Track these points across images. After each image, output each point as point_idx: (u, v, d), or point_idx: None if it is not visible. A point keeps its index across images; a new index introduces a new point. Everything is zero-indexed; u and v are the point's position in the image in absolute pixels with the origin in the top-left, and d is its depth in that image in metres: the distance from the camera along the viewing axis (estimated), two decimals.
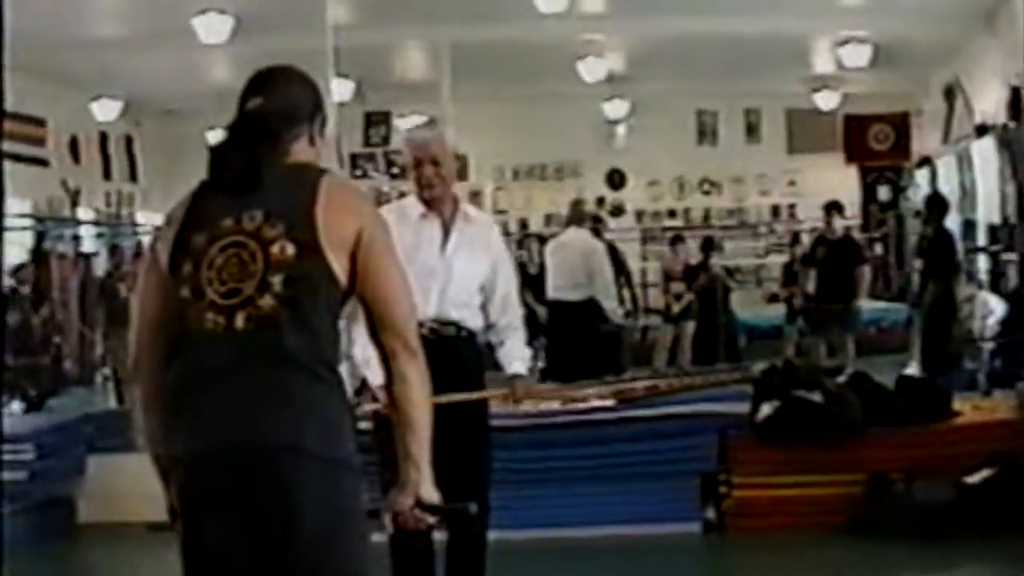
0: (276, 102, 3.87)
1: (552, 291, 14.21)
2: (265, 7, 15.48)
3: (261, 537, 3.56)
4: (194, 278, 3.64)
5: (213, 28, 15.98)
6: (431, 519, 3.86)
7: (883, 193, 24.62)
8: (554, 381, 12.54)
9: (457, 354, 6.31)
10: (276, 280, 3.61)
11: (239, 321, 3.59)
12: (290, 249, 3.63)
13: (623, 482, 9.07)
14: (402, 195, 6.85)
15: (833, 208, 16.17)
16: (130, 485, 10.07)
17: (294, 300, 3.61)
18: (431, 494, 3.79)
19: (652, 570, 8.51)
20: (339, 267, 3.68)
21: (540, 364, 17.01)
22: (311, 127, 3.94)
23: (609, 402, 9.37)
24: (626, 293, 17.14)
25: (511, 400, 6.90)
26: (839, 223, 16.29)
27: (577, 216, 14.62)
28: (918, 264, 15.61)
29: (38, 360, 17.26)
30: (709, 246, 19.16)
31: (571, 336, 14.03)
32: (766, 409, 9.04)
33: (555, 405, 9.52)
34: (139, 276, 3.91)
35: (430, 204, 6.44)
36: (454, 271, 6.41)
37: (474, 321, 6.52)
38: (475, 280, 6.52)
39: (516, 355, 6.69)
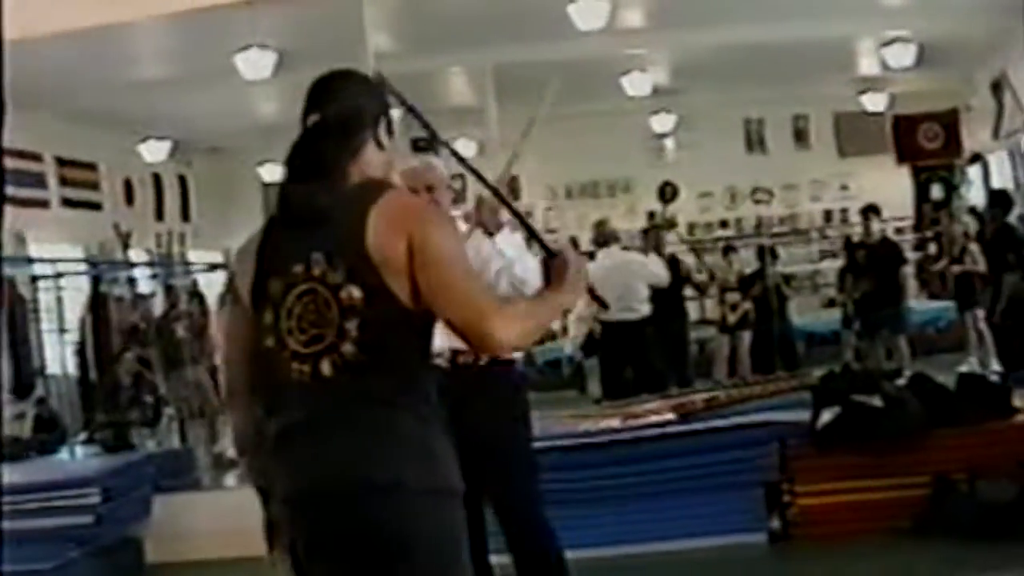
0: (335, 115, 3.84)
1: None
2: (306, 40, 15.50)
3: (372, 573, 3.61)
4: (276, 328, 3.69)
5: (256, 64, 16.02)
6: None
7: (936, 192, 24.45)
8: (610, 400, 12.59)
9: (491, 381, 6.31)
10: (352, 326, 3.63)
11: (325, 368, 3.63)
12: (356, 293, 3.63)
13: (687, 496, 9.07)
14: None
15: (870, 211, 16.19)
16: (197, 524, 10.20)
17: (373, 343, 3.62)
18: None
19: None
20: (405, 294, 3.65)
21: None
22: (375, 130, 3.90)
23: (669, 416, 9.37)
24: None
25: None
26: (876, 226, 16.27)
27: (605, 236, 14.66)
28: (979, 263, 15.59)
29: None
30: (764, 255, 19.11)
31: (627, 356, 13.98)
32: (826, 416, 9.01)
33: (615, 422, 9.53)
34: (225, 310, 3.99)
35: None
36: None
37: None
38: None
39: None
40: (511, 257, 6.35)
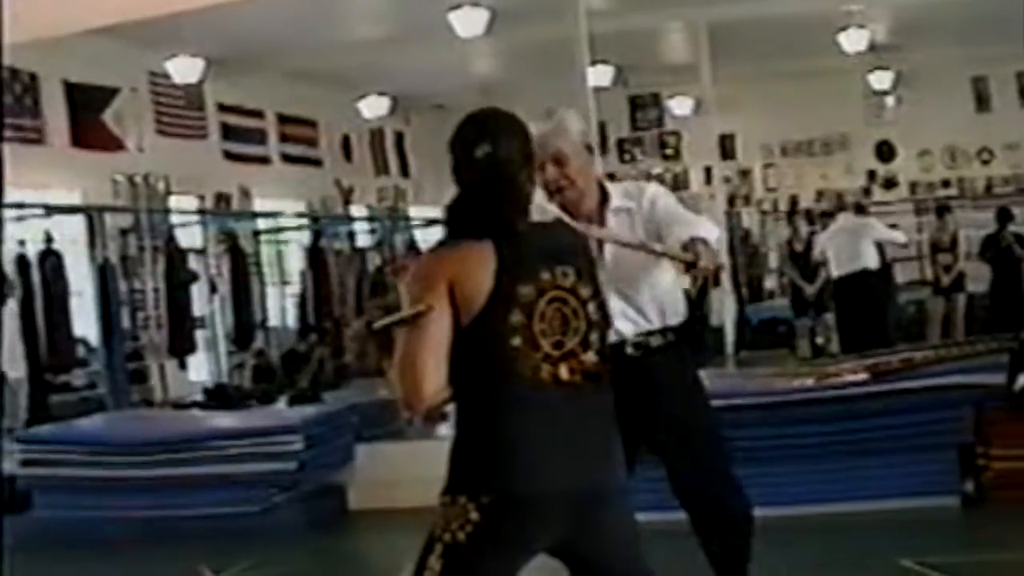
0: (507, 150, 4.03)
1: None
2: None
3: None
4: (527, 329, 3.85)
5: (469, 22, 16.26)
6: None
7: None
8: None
9: (665, 367, 5.70)
10: (595, 338, 3.95)
11: (563, 372, 3.88)
12: (597, 310, 3.99)
13: (880, 456, 8.97)
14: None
15: None
16: (398, 472, 10.38)
17: (606, 357, 3.98)
18: None
19: (913, 544, 8.35)
20: None
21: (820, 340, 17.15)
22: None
23: (863, 376, 9.31)
24: None
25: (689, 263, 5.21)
26: None
27: (840, 204, 15.71)
28: None
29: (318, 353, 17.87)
30: (1004, 216, 18.73)
31: (856, 309, 15.15)
32: (1022, 379, 8.88)
33: (809, 381, 9.52)
34: (424, 299, 3.84)
35: (570, 211, 5.33)
36: (607, 265, 5.44)
37: (665, 314, 5.72)
38: (637, 260, 5.54)
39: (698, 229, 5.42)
40: None
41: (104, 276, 14.21)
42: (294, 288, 19.05)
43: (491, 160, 3.97)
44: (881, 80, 23.17)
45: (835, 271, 15.35)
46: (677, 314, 5.74)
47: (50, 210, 14.24)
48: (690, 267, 5.08)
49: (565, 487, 3.85)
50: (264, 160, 20.45)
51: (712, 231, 5.41)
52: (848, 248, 15.08)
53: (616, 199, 5.64)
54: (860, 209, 16.41)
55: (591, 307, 3.95)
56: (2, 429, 11.47)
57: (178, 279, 15.64)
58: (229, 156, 19.51)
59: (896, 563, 7.59)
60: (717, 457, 5.86)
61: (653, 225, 5.53)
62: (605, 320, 4.03)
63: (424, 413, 4.07)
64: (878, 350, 11.36)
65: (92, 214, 14.74)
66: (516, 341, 3.83)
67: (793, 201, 24.38)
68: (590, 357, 3.92)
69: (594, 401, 3.94)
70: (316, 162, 21.88)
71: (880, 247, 15.43)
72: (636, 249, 5.25)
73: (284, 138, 21.02)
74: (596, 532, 3.94)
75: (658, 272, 5.58)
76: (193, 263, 16.55)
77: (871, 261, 15.04)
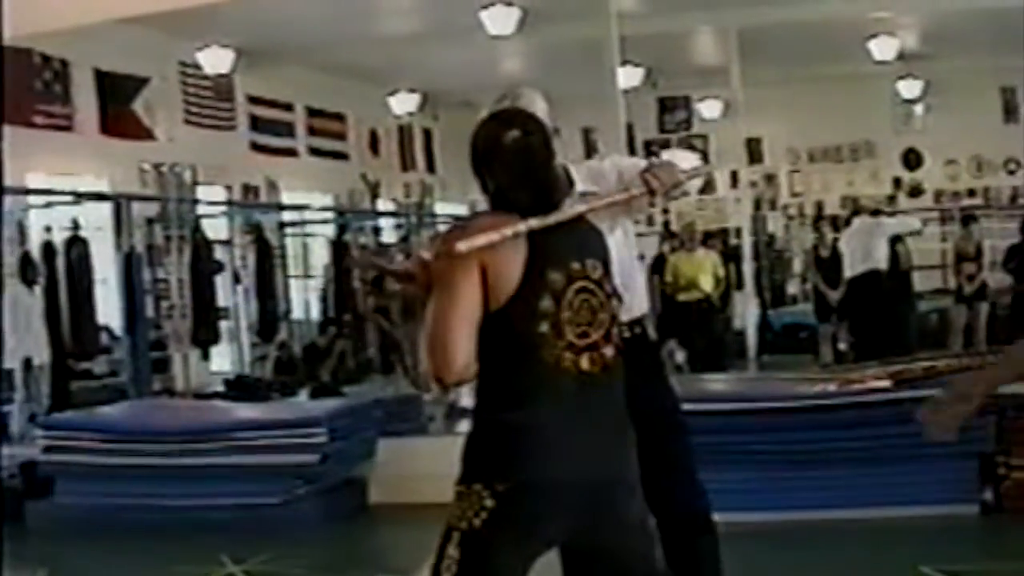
0: (536, 138, 4.03)
1: None
2: None
3: (593, 557, 4.01)
4: (555, 316, 3.85)
5: (501, 20, 16.32)
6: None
7: None
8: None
9: (639, 356, 5.32)
10: (615, 332, 3.98)
11: (584, 362, 3.89)
12: (619, 306, 4.05)
13: (900, 463, 8.93)
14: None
15: None
16: (419, 467, 10.40)
17: (622, 352, 4.00)
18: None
19: (931, 551, 8.35)
20: None
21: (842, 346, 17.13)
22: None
23: (885, 383, 9.30)
24: None
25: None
26: None
27: (856, 207, 15.79)
28: None
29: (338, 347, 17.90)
30: None
31: (868, 308, 15.34)
32: None
33: (832, 387, 9.52)
34: (456, 275, 3.84)
35: None
36: None
37: (631, 307, 5.36)
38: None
39: None
40: None
41: (129, 264, 14.24)
42: (318, 281, 19.09)
43: (521, 144, 3.97)
44: (910, 88, 23.15)
45: (848, 272, 15.53)
46: (641, 306, 5.58)
47: (77, 197, 14.30)
48: (651, 194, 4.82)
49: (580, 476, 3.84)
50: (292, 153, 20.50)
51: (685, 157, 5.04)
52: (861, 249, 15.25)
53: (580, 184, 5.28)
54: (876, 212, 16.56)
55: (615, 302, 3.99)
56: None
57: (203, 269, 15.69)
58: (257, 148, 19.57)
59: (915, 570, 7.59)
60: (684, 456, 5.65)
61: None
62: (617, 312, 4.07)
63: (452, 386, 4.03)
64: (896, 357, 11.34)
65: (119, 202, 14.78)
66: (543, 327, 3.83)
67: (819, 207, 24.33)
68: (610, 351, 3.92)
69: (610, 394, 3.95)
70: (343, 156, 21.93)
71: (896, 252, 15.43)
72: (599, 209, 4.73)
73: (312, 131, 21.08)
74: (609, 524, 3.93)
75: (623, 261, 5.16)
76: (219, 254, 16.61)
77: (882, 262, 15.16)
